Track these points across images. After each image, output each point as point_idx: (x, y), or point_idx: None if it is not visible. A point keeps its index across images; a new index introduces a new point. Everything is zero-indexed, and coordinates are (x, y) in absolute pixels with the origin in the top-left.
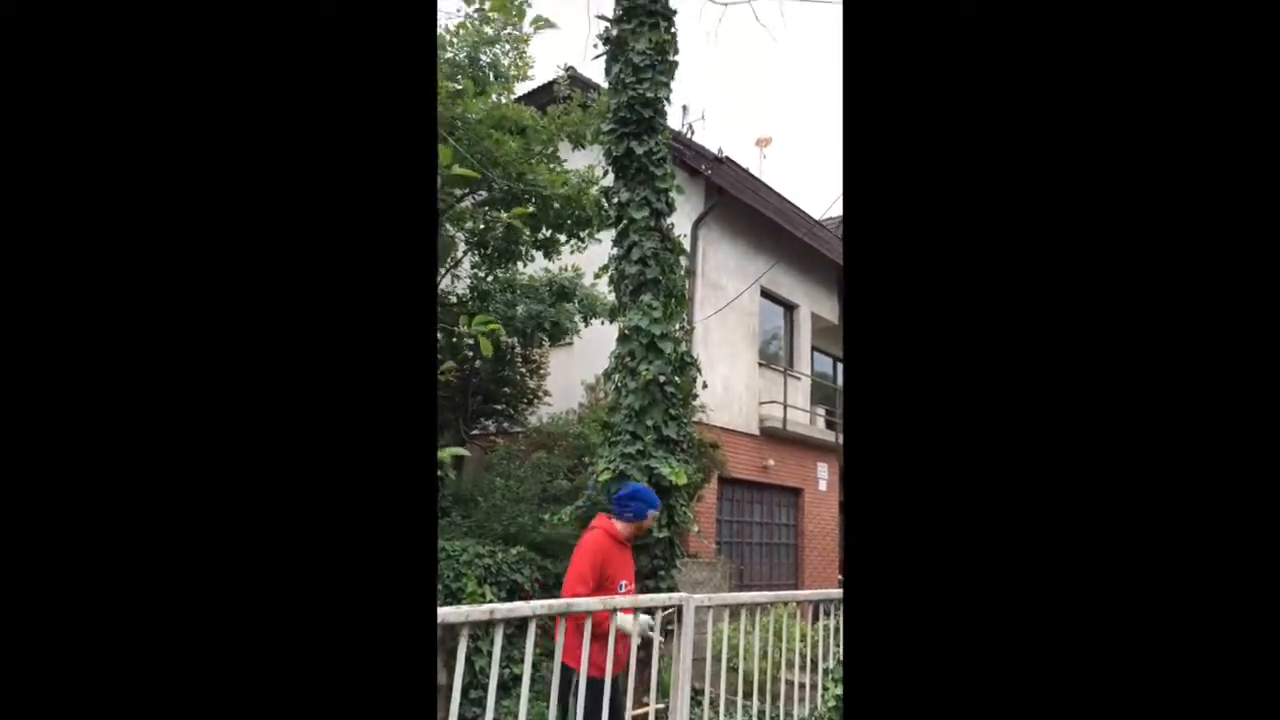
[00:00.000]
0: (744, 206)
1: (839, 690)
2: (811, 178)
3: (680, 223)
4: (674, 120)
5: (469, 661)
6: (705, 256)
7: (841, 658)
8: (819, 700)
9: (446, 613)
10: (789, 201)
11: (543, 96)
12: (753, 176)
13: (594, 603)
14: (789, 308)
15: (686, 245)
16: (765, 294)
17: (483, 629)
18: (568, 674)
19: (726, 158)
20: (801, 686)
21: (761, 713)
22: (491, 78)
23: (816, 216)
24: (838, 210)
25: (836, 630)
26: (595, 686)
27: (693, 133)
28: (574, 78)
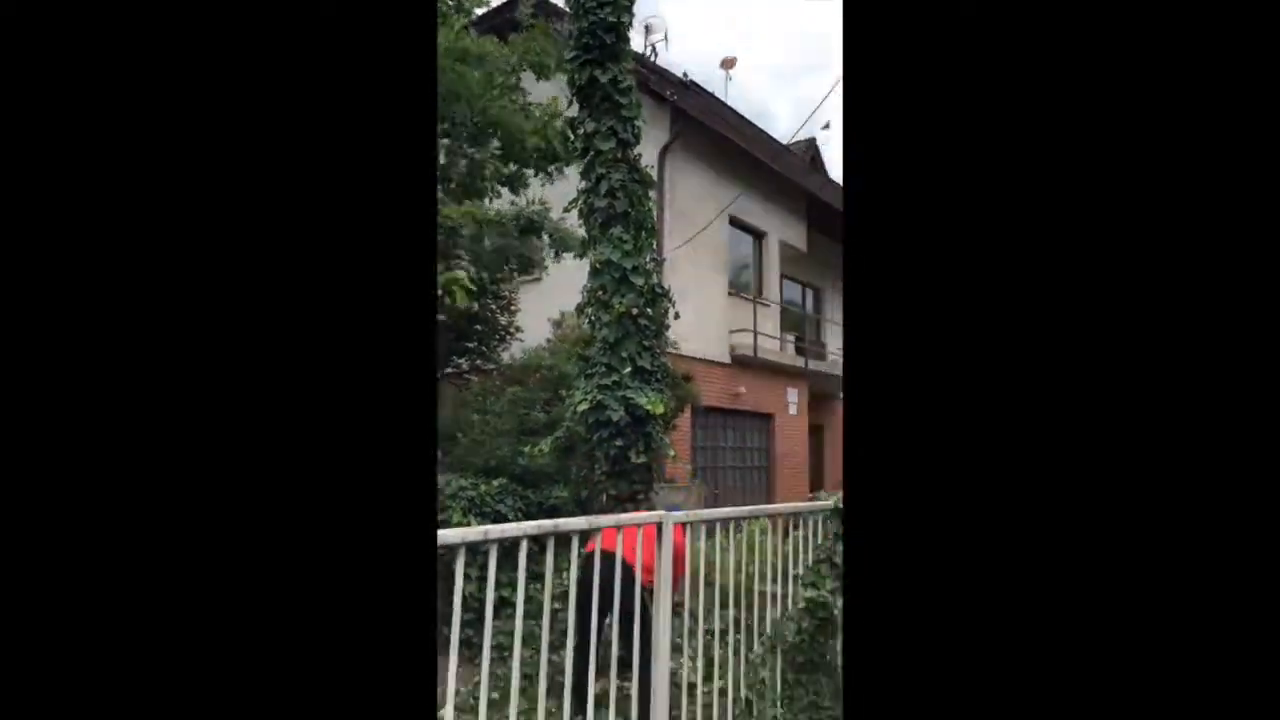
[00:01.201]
0: (711, 133)
1: (807, 593)
2: (779, 99)
3: (647, 151)
4: (637, 42)
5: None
6: (674, 185)
7: (810, 564)
8: (789, 603)
9: (445, 534)
10: (756, 127)
11: (503, 16)
12: (719, 102)
13: (579, 522)
14: (758, 236)
15: (654, 174)
16: (734, 222)
17: (474, 552)
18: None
19: (692, 83)
20: (775, 596)
21: (737, 620)
22: (449, 3)
23: (784, 141)
24: (804, 135)
25: (805, 541)
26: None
27: (656, 55)
28: (539, 2)
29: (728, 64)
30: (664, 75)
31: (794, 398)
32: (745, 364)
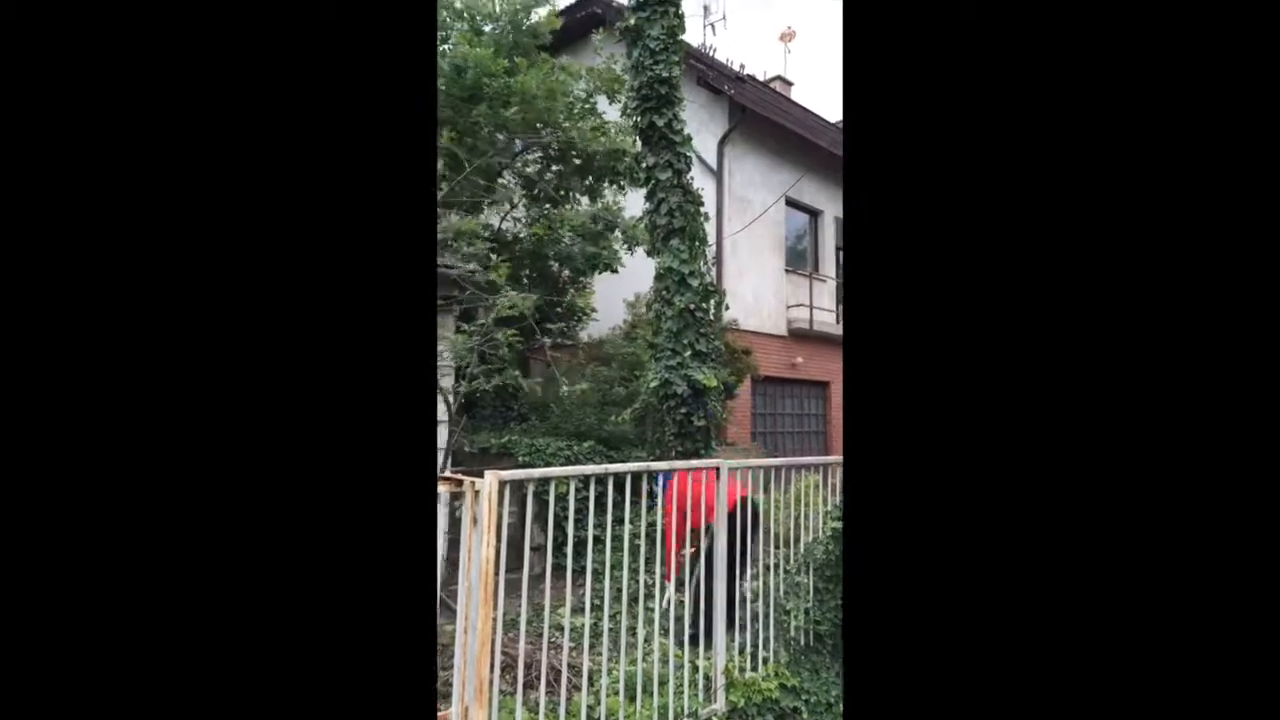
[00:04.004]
0: (767, 121)
1: (833, 524)
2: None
3: (706, 141)
4: (695, 24)
5: (558, 525)
6: (731, 172)
7: (838, 502)
8: (821, 531)
9: (531, 473)
10: (810, 112)
11: (570, 17)
12: (774, 91)
13: (636, 466)
14: (813, 214)
15: (713, 162)
16: (790, 202)
17: (563, 490)
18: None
19: (749, 75)
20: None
21: (782, 555)
22: (530, 37)
23: (836, 121)
24: None
25: (837, 488)
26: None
27: (715, 51)
28: (600, 11)
29: (786, 37)
30: (721, 70)
31: None
32: (802, 336)
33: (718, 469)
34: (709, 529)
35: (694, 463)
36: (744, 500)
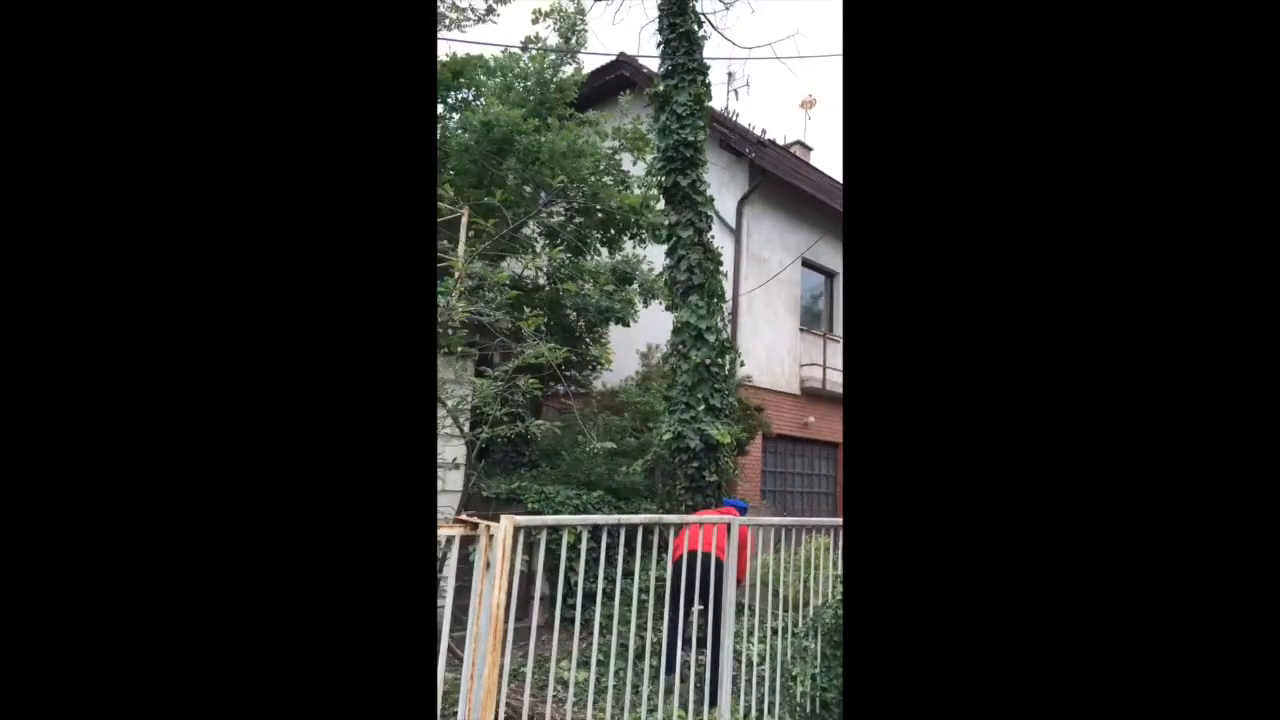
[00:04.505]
0: (785, 184)
1: (843, 586)
2: None
3: (726, 201)
4: (720, 90)
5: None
6: (749, 232)
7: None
8: (831, 595)
9: (547, 520)
10: (828, 176)
11: (600, 79)
12: (793, 156)
13: (648, 518)
14: (829, 275)
15: (732, 222)
16: (806, 263)
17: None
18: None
19: (770, 140)
20: (826, 598)
21: (791, 618)
22: (557, 94)
23: None
24: None
25: None
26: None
27: (737, 116)
28: (629, 75)
29: (807, 104)
30: (743, 134)
31: None
32: (815, 396)
33: (729, 526)
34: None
35: (707, 516)
36: (705, 555)
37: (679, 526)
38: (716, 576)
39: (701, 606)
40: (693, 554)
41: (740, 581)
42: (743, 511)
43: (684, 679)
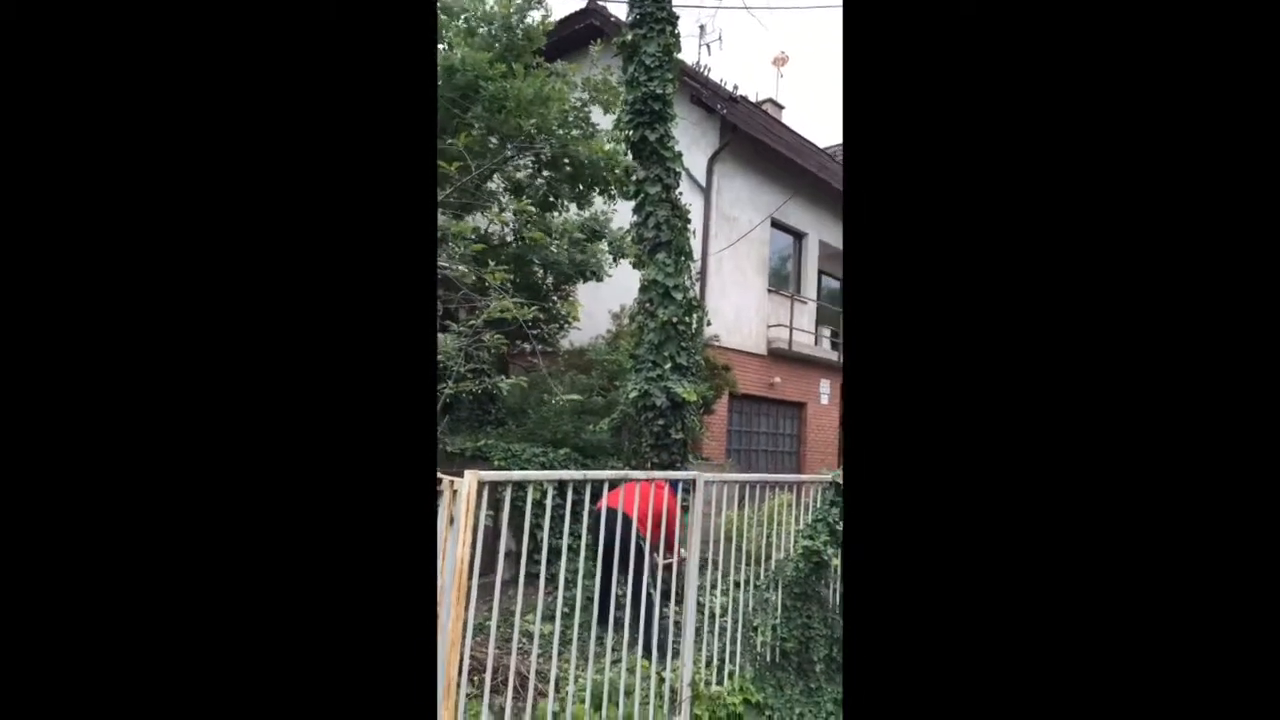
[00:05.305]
0: (757, 142)
1: (804, 543)
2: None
3: (696, 158)
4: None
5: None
6: (720, 190)
7: (810, 521)
8: (792, 549)
9: (512, 475)
10: (800, 136)
11: (569, 28)
12: (765, 113)
13: (637, 474)
14: (798, 236)
15: (702, 179)
16: (775, 224)
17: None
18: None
19: (741, 97)
20: (787, 552)
21: (753, 572)
22: (525, 41)
23: (825, 146)
24: None
25: (809, 507)
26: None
27: (709, 70)
28: (599, 24)
29: (779, 61)
30: (715, 90)
31: (826, 389)
32: (781, 356)
33: (694, 481)
34: (640, 540)
35: (672, 474)
36: (611, 511)
37: (627, 482)
38: (623, 534)
39: (668, 560)
40: (611, 510)
41: (670, 550)
42: (676, 490)
43: (618, 630)
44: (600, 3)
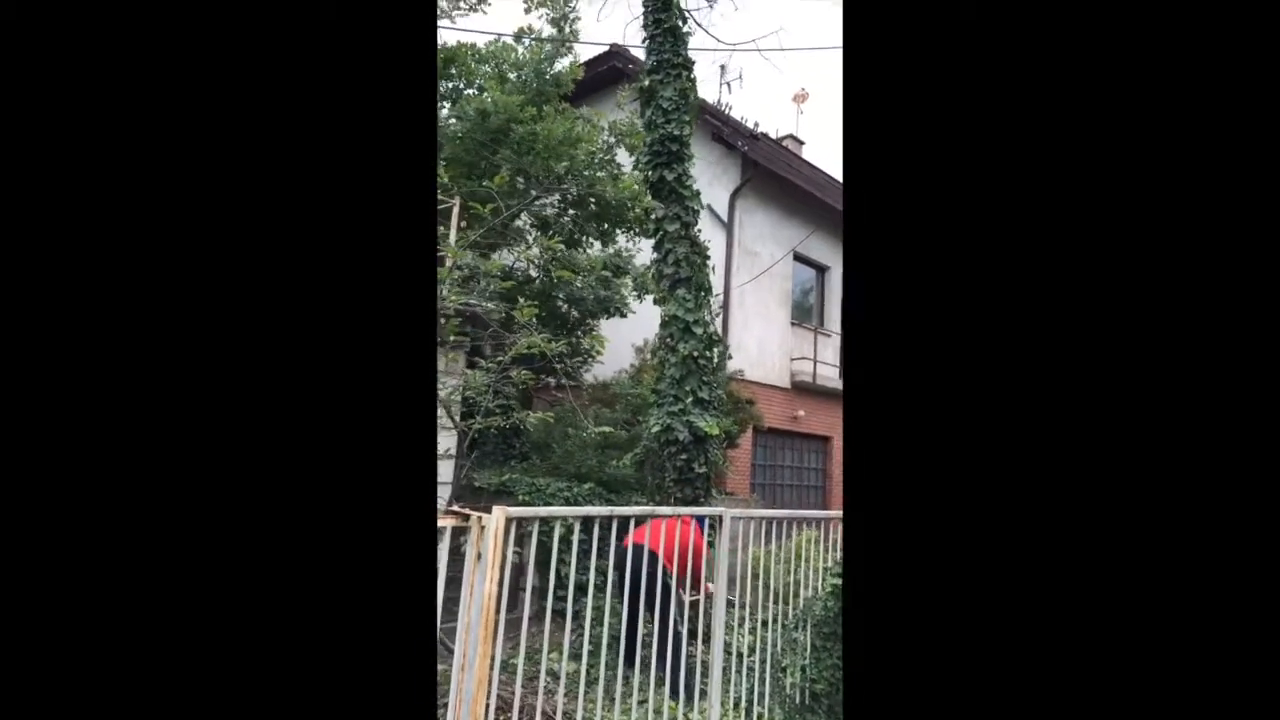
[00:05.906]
0: (778, 178)
1: (834, 580)
2: None
3: (718, 194)
4: (713, 82)
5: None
6: (742, 225)
7: (839, 558)
8: (821, 588)
9: (539, 511)
10: (820, 170)
11: (593, 70)
12: (785, 149)
13: (664, 510)
14: (820, 270)
15: (724, 215)
16: (798, 257)
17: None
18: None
19: (762, 134)
20: (816, 590)
21: (780, 611)
22: (553, 86)
23: None
24: None
25: (838, 543)
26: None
27: (730, 109)
28: (621, 66)
29: (799, 98)
30: (736, 127)
31: None
32: (805, 389)
33: (720, 517)
34: (666, 575)
35: (698, 510)
36: (637, 548)
37: (665, 520)
38: (649, 571)
39: (695, 597)
40: (638, 546)
41: (695, 587)
42: (703, 526)
43: (644, 669)
44: (623, 46)
